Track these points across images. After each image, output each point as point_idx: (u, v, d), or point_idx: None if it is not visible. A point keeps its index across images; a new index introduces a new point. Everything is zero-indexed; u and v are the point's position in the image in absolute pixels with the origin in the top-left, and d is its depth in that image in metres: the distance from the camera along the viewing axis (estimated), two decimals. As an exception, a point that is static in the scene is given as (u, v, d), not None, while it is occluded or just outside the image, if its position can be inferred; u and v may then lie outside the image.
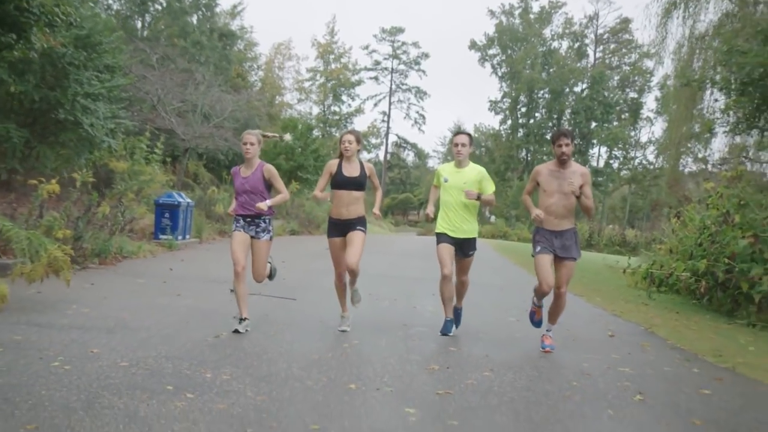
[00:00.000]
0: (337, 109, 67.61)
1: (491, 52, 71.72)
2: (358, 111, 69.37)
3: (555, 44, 71.11)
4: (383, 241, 28.03)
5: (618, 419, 4.61)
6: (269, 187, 7.07)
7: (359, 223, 7.21)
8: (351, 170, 7.19)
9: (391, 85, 75.48)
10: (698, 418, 4.75)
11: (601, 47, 70.63)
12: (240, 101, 29.19)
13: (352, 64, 69.81)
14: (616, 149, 67.25)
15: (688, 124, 22.11)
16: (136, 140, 18.72)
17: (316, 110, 65.43)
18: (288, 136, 8.20)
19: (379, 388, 5.02)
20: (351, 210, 7.18)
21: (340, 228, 7.23)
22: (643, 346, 7.76)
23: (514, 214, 56.31)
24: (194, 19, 36.29)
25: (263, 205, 6.86)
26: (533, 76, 66.96)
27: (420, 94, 75.79)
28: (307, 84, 65.50)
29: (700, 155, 24.94)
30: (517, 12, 71.41)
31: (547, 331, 7.18)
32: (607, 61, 70.02)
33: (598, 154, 68.33)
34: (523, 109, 70.13)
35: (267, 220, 7.07)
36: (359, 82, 70.17)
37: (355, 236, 7.15)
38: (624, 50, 68.92)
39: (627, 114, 68.14)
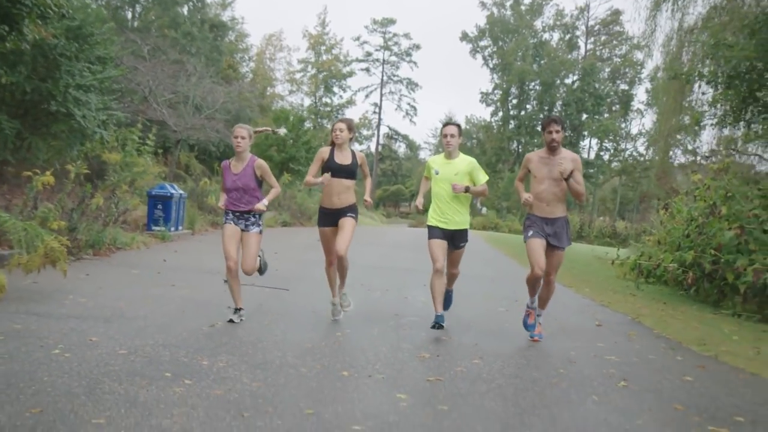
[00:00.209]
0: (328, 100, 67.63)
1: (482, 43, 71.82)
2: (350, 102, 69.44)
3: (546, 36, 71.32)
4: (375, 233, 28.16)
5: (602, 404, 4.76)
6: (260, 182, 7.09)
7: (350, 210, 7.22)
8: (343, 158, 7.18)
9: (383, 76, 75.53)
10: (680, 403, 4.91)
11: (592, 39, 70.83)
12: (231, 93, 29.22)
13: (343, 56, 69.85)
14: (606, 141, 67.54)
15: (677, 116, 22.26)
16: (128, 132, 18.76)
17: (307, 102, 65.48)
18: (282, 130, 8.22)
19: (371, 375, 5.16)
20: (342, 198, 7.17)
21: (330, 217, 7.25)
22: (629, 335, 7.92)
23: (505, 205, 56.52)
24: (185, 10, 36.25)
25: (262, 206, 6.95)
26: (524, 68, 67.07)
27: (411, 85, 75.89)
28: (298, 75, 65.57)
29: (689, 147, 25.12)
30: (508, 3, 71.50)
31: (537, 316, 7.22)
32: (597, 52, 70.22)
33: (589, 145, 68.59)
34: (514, 101, 70.28)
35: (257, 215, 7.11)
36: (350, 74, 70.19)
37: (346, 223, 7.15)
38: (615, 42, 69.15)
39: (618, 106, 68.40)
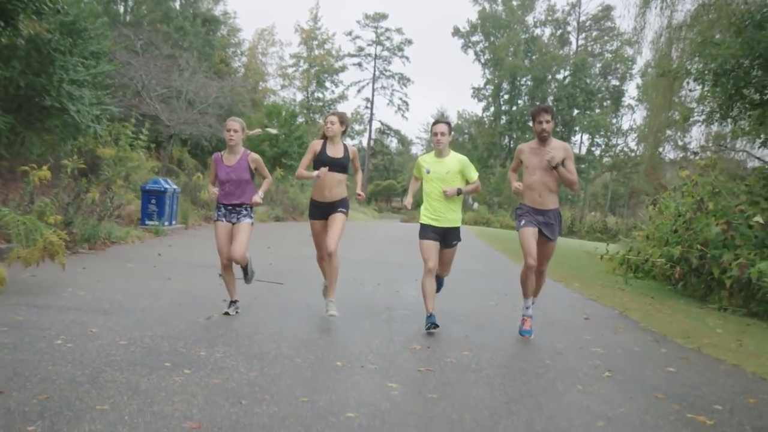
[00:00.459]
0: (320, 95, 67.66)
1: (474, 38, 72.03)
2: (342, 97, 69.52)
3: (537, 31, 71.60)
4: (367, 228, 28.33)
5: (586, 393, 4.94)
6: (253, 175, 7.16)
7: (341, 204, 7.19)
8: (335, 152, 7.15)
9: (375, 71, 75.66)
10: (661, 392, 5.09)
11: (584, 34, 71.15)
12: (224, 88, 29.28)
13: (335, 50, 69.86)
14: (597, 136, 67.89)
15: (666, 112, 22.47)
16: (121, 126, 18.84)
17: (299, 96, 65.48)
18: (274, 130, 8.28)
19: (364, 365, 5.32)
20: (334, 192, 7.14)
21: (322, 210, 7.22)
22: (616, 328, 8.11)
23: (497, 200, 56.72)
24: (177, 4, 36.23)
25: (258, 199, 7.09)
26: (516, 63, 67.32)
27: (403, 80, 76.08)
28: (290, 70, 65.54)
29: (680, 143, 25.34)
30: (500, -1, 71.69)
31: (527, 308, 7.08)
32: (589, 48, 70.53)
33: (580, 141, 68.90)
34: (506, 96, 70.54)
35: (248, 207, 7.15)
36: (343, 69, 70.25)
37: (336, 218, 7.12)
38: (606, 38, 69.48)
39: (609, 101, 68.73)
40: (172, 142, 25.89)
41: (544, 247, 7.05)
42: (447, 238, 7.18)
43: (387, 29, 74.91)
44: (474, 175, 7.23)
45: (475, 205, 55.01)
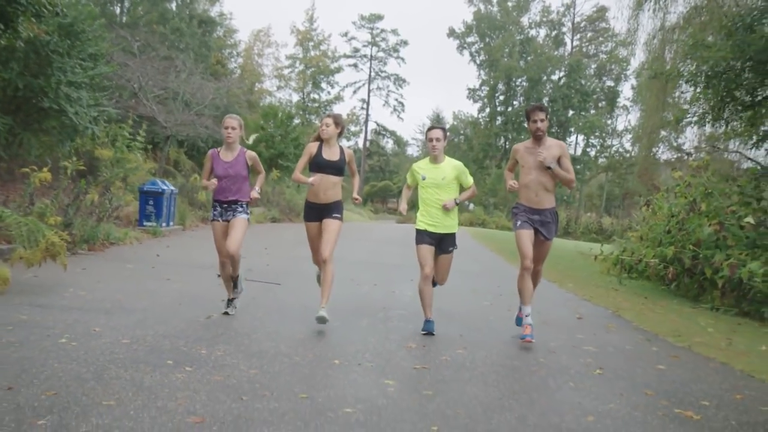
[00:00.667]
0: (316, 96, 67.78)
1: (469, 39, 72.08)
2: (338, 98, 69.65)
3: (533, 32, 71.68)
4: (363, 229, 28.46)
5: (578, 390, 5.07)
6: (249, 172, 7.24)
7: (336, 209, 7.11)
8: (331, 154, 7.06)
9: (370, 72, 75.78)
10: (651, 389, 5.23)
11: (578, 35, 71.29)
12: (221, 89, 29.38)
13: (331, 52, 69.98)
14: (593, 137, 68.02)
15: (660, 113, 22.65)
16: (118, 128, 18.93)
17: (295, 97, 65.59)
18: (251, 140, 8.26)
19: (361, 363, 5.45)
20: (329, 194, 7.06)
21: (316, 212, 7.13)
22: (608, 327, 8.25)
23: (493, 201, 56.85)
24: (173, 6, 36.31)
25: (256, 194, 7.18)
26: (511, 64, 67.42)
27: (399, 81, 76.18)
28: (286, 71, 65.69)
29: (675, 144, 25.53)
30: (495, 0, 71.79)
31: (526, 316, 6.86)
32: (584, 49, 70.69)
33: (576, 142, 68.99)
34: (501, 97, 70.60)
35: (244, 204, 7.19)
36: (338, 70, 70.41)
37: (331, 225, 7.02)
38: (601, 39, 69.60)
39: (604, 102, 68.86)
40: (169, 144, 25.98)
41: (540, 247, 7.03)
42: (443, 243, 7.15)
43: (382, 30, 75.09)
44: (469, 180, 7.23)
45: (471, 206, 55.11)
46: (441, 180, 7.07)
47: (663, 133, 25.30)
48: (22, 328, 5.58)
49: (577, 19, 70.20)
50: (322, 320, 6.62)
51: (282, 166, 32.40)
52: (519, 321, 7.20)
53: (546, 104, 64.06)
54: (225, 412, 3.91)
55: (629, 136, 62.61)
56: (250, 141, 8.39)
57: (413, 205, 7.56)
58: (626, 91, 68.74)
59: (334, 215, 7.08)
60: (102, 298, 7.37)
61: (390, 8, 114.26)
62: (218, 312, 7.11)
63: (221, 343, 5.73)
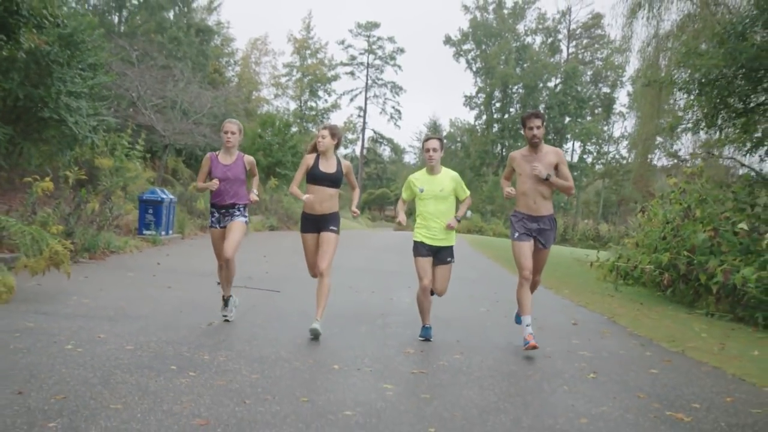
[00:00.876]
0: (313, 104, 68.01)
1: (466, 47, 72.42)
2: (335, 106, 69.90)
3: (528, 39, 72.06)
4: (361, 237, 28.58)
5: (572, 393, 5.20)
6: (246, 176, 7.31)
7: (333, 221, 7.04)
8: (328, 166, 7.00)
9: (367, 80, 76.07)
10: (643, 392, 5.36)
11: (574, 42, 71.69)
12: (218, 98, 29.52)
13: (328, 60, 70.24)
14: (589, 144, 68.29)
15: (656, 120, 22.82)
16: (117, 137, 19.06)
17: (293, 105, 65.81)
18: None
19: (360, 368, 5.58)
20: (325, 206, 6.99)
21: (313, 223, 7.06)
22: (603, 333, 8.37)
23: (490, 209, 56.96)
24: (171, 15, 36.48)
25: (254, 196, 7.26)
26: (507, 72, 67.67)
27: (396, 89, 76.49)
28: (283, 79, 65.91)
29: (671, 150, 25.68)
30: (491, 7, 72.15)
31: (527, 326, 6.71)
32: (579, 56, 71.05)
33: (572, 148, 69.27)
34: (498, 104, 70.89)
35: (242, 208, 7.21)
36: (335, 78, 70.66)
37: (328, 238, 6.97)
38: (596, 45, 69.99)
39: (600, 109, 69.18)
40: (168, 152, 26.12)
41: (537, 255, 6.96)
42: (440, 253, 7.14)
43: (379, 38, 75.42)
44: (465, 192, 7.25)
45: (469, 213, 55.20)
46: (439, 192, 7.07)
47: (659, 139, 25.48)
48: (29, 334, 5.71)
49: (573, 26, 70.66)
50: (315, 333, 6.63)
51: (280, 174, 32.54)
52: (518, 319, 7.13)
53: (542, 111, 64.20)
54: (229, 415, 4.04)
55: (626, 143, 62.85)
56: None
57: (410, 212, 7.60)
58: (622, 97, 69.04)
59: (331, 228, 7.02)
60: (105, 305, 7.49)
61: (386, 16, 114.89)
62: (219, 319, 7.23)
63: (223, 349, 5.85)
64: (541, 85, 68.75)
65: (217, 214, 7.23)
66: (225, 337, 6.40)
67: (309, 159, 7.09)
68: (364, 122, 76.08)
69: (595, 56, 70.50)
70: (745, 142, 14.23)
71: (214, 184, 7.03)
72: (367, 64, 75.95)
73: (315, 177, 7.00)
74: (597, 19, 67.48)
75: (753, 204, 12.33)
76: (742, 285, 10.32)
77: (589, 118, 68.13)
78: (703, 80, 12.63)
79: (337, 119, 75.81)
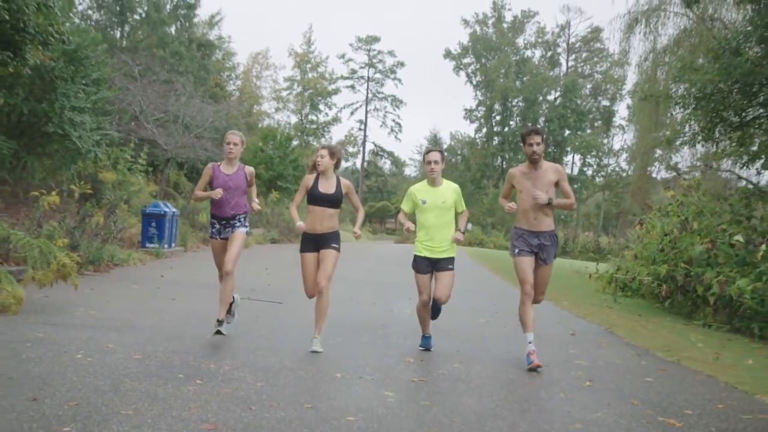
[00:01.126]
0: (314, 117, 68.21)
1: (465, 60, 72.80)
2: (335, 120, 70.11)
3: (528, 53, 72.52)
4: (361, 249, 28.70)
5: (567, 400, 5.35)
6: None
7: (333, 239, 7.00)
8: (327, 186, 6.98)
9: (368, 93, 76.32)
10: (637, 399, 5.51)
11: (573, 56, 72.09)
12: (220, 112, 29.72)
13: (328, 73, 70.47)
14: (589, 156, 68.51)
15: (653, 133, 23.04)
16: (119, 151, 19.25)
17: (293, 119, 66.05)
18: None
19: (362, 376, 5.73)
20: (325, 225, 6.96)
21: (313, 243, 7.01)
22: (600, 343, 8.53)
23: (490, 221, 57.09)
24: (173, 30, 36.73)
25: (256, 205, 7.42)
26: (507, 85, 68.01)
27: (396, 102, 76.71)
28: (284, 93, 66.10)
29: (671, 162, 25.89)
30: (490, 21, 72.60)
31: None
32: (579, 69, 71.40)
33: (572, 161, 69.48)
34: (498, 117, 71.19)
35: (242, 218, 7.24)
36: (336, 91, 70.84)
37: (329, 255, 6.92)
38: (596, 59, 70.31)
39: (600, 122, 69.43)
40: (170, 166, 26.30)
41: (539, 273, 6.93)
42: (440, 263, 7.11)
43: (379, 52, 75.73)
44: (463, 205, 7.30)
45: (470, 226, 55.27)
46: (441, 203, 7.09)
47: (659, 152, 25.71)
48: (40, 344, 5.86)
49: (572, 40, 71.10)
50: (315, 352, 6.65)
51: (281, 187, 32.72)
52: (528, 360, 6.65)
53: (542, 124, 64.61)
54: (235, 420, 4.19)
55: (625, 155, 63.06)
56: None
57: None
58: (622, 110, 69.35)
59: (332, 245, 6.98)
60: (112, 316, 7.65)
61: (386, 30, 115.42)
62: (224, 329, 7.34)
63: (228, 358, 6.00)
64: (540, 98, 69.10)
65: (217, 225, 7.26)
66: (229, 347, 6.55)
67: (308, 180, 7.10)
68: (365, 135, 76.38)
69: (595, 69, 70.89)
70: (741, 155, 14.40)
71: (218, 193, 7.05)
72: (368, 77, 76.29)
73: (314, 198, 6.99)
74: (596, 33, 67.83)
75: (749, 216, 12.49)
76: (738, 296, 10.46)
77: (588, 131, 68.44)
78: (699, 95, 12.80)
79: (337, 132, 76.34)
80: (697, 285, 11.67)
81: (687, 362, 7.48)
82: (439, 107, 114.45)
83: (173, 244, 17.12)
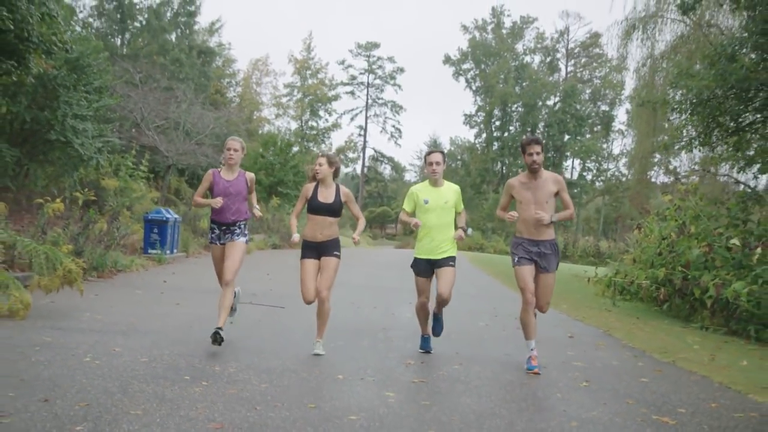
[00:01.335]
0: (314, 124, 68.36)
1: (465, 66, 72.94)
2: (335, 126, 70.17)
3: (527, 59, 72.60)
4: (362, 255, 28.82)
5: (564, 400, 5.48)
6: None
7: (334, 247, 7.05)
8: (326, 195, 7.03)
9: (368, 99, 76.50)
10: (632, 399, 5.64)
11: (573, 61, 72.21)
12: (220, 118, 29.88)
13: (328, 80, 70.62)
14: (589, 161, 68.61)
15: (651, 138, 23.19)
16: (121, 158, 19.40)
17: (294, 125, 66.19)
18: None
19: (363, 378, 5.87)
20: (325, 233, 7.01)
21: (314, 250, 7.05)
22: (597, 345, 8.66)
23: (490, 226, 57.20)
24: (173, 37, 36.92)
25: (258, 212, 7.49)
26: (506, 90, 68.16)
27: (396, 108, 76.87)
28: (284, 99, 66.24)
29: (670, 167, 26.03)
30: (489, 27, 72.81)
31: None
32: (578, 74, 71.54)
33: (572, 166, 69.65)
34: (498, 123, 71.29)
35: (242, 225, 7.19)
36: (336, 97, 70.94)
37: (330, 263, 6.98)
38: (595, 64, 70.38)
39: (599, 126, 69.52)
40: (171, 173, 26.44)
41: (541, 281, 6.95)
42: (441, 261, 7.15)
43: (379, 58, 75.96)
44: (462, 205, 7.39)
45: (470, 230, 55.36)
46: (444, 204, 7.15)
47: (657, 157, 25.85)
48: (48, 348, 6.01)
49: (571, 45, 71.17)
50: (317, 355, 6.79)
51: (282, 193, 32.85)
52: (530, 365, 6.78)
53: (542, 130, 64.75)
54: (241, 419, 4.32)
55: (625, 160, 63.16)
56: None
57: (411, 230, 7.72)
58: (621, 115, 69.59)
59: (333, 253, 7.04)
60: (117, 321, 7.79)
61: (386, 36, 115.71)
62: (227, 334, 7.42)
63: (232, 361, 6.14)
64: (540, 103, 69.21)
65: (217, 231, 7.22)
66: (233, 350, 6.68)
67: (308, 189, 7.15)
68: (365, 141, 76.55)
69: (594, 75, 70.99)
70: (738, 160, 14.54)
71: (218, 201, 7.01)
72: (368, 83, 76.50)
73: (313, 207, 7.04)
74: (595, 38, 67.90)
75: (746, 220, 12.62)
76: (734, 299, 10.58)
77: (588, 135, 68.52)
78: (695, 100, 12.96)
79: (337, 138, 76.64)
80: (694, 288, 11.79)
81: (682, 363, 7.60)
82: (438, 113, 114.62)
83: (175, 250, 17.25)
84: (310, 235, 7.05)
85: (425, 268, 7.23)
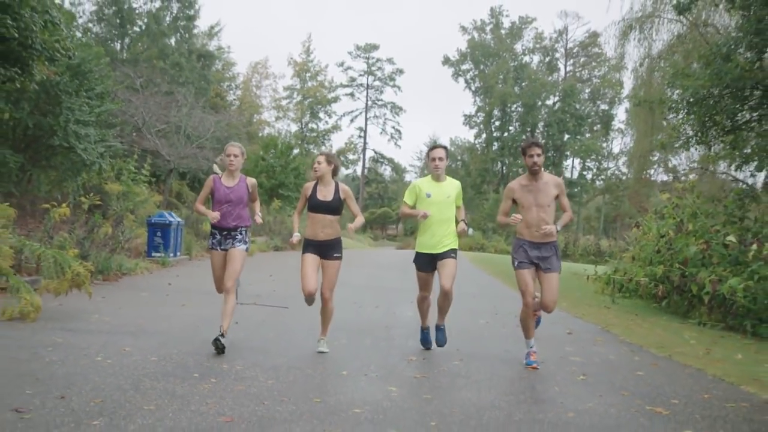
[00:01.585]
0: (314, 126, 68.61)
1: (464, 67, 73.22)
2: (335, 128, 70.54)
3: (526, 59, 72.89)
4: (363, 255, 29.01)
5: (561, 393, 5.66)
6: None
7: (336, 248, 7.12)
8: (325, 194, 7.07)
9: (367, 101, 76.77)
10: (628, 391, 5.82)
11: (571, 61, 72.46)
12: (221, 122, 30.06)
13: (328, 82, 70.91)
14: (589, 160, 68.78)
15: (649, 137, 23.34)
16: (123, 162, 19.57)
17: (294, 128, 66.44)
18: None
19: (367, 374, 6.05)
20: (326, 232, 7.06)
21: (316, 248, 7.08)
22: (596, 341, 8.83)
23: (491, 226, 57.35)
24: (173, 41, 37.11)
25: (259, 219, 7.47)
26: (506, 90, 68.39)
27: (395, 109, 77.16)
28: (284, 102, 66.57)
29: (670, 165, 26.19)
30: (488, 28, 73.11)
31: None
32: (577, 74, 71.75)
33: (572, 165, 69.84)
34: (497, 123, 71.52)
35: (243, 232, 7.17)
36: (335, 99, 71.32)
37: (332, 265, 7.06)
38: (594, 63, 70.60)
39: (599, 126, 69.70)
40: (172, 176, 26.62)
41: (545, 281, 6.91)
42: (442, 254, 7.16)
43: (378, 59, 76.29)
44: (461, 200, 7.47)
45: (471, 230, 55.50)
46: (446, 198, 7.20)
47: (657, 155, 26.02)
48: (61, 349, 6.19)
49: (570, 45, 71.46)
50: (321, 352, 6.95)
51: (283, 195, 33.03)
52: (529, 361, 6.94)
53: (541, 129, 64.88)
54: (250, 413, 4.50)
55: (624, 159, 63.29)
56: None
57: (413, 229, 7.87)
58: (620, 114, 69.73)
59: (335, 255, 7.10)
60: (125, 322, 7.97)
61: (385, 38, 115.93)
62: (233, 334, 7.59)
63: (239, 359, 6.31)
64: (539, 103, 69.45)
65: (218, 236, 7.19)
66: (239, 349, 6.86)
67: (308, 188, 7.21)
68: (365, 142, 76.80)
69: (593, 74, 71.23)
70: (735, 158, 14.68)
71: (215, 216, 6.99)
72: (367, 85, 76.78)
73: (313, 205, 7.09)
74: (594, 37, 68.04)
75: (743, 217, 12.77)
76: (730, 295, 10.74)
77: (588, 135, 68.72)
78: (691, 100, 13.10)
79: (337, 140, 76.70)
80: (691, 285, 11.93)
81: (678, 357, 7.78)
82: (438, 113, 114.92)
83: (178, 253, 17.43)
84: (311, 233, 7.12)
85: (427, 263, 7.27)
